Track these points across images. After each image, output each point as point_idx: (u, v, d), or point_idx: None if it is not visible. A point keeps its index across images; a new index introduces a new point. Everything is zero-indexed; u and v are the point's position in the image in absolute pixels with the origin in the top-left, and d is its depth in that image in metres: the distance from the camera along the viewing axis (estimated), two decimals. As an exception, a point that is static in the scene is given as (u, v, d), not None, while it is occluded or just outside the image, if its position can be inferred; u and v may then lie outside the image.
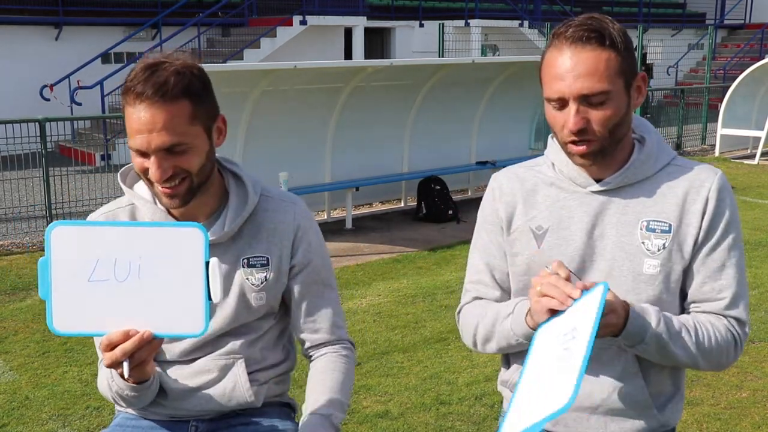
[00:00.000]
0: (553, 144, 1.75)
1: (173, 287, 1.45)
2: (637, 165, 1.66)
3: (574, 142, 1.60)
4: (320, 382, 1.80)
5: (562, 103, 1.59)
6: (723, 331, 1.64)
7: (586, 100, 1.56)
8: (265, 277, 1.78)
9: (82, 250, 1.45)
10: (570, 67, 1.55)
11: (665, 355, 1.59)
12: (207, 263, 1.46)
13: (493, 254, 1.81)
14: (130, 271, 1.44)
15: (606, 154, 1.63)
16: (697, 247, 1.65)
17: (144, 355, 1.46)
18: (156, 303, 1.45)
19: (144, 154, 1.60)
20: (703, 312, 1.68)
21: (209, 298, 1.45)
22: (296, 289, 1.82)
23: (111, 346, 1.44)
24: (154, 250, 1.45)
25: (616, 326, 1.52)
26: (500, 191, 1.79)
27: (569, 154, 1.66)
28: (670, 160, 1.70)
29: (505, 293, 1.81)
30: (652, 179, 1.68)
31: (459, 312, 1.87)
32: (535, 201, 1.74)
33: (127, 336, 1.43)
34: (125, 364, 1.45)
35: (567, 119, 1.58)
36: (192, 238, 1.45)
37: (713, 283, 1.66)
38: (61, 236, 1.44)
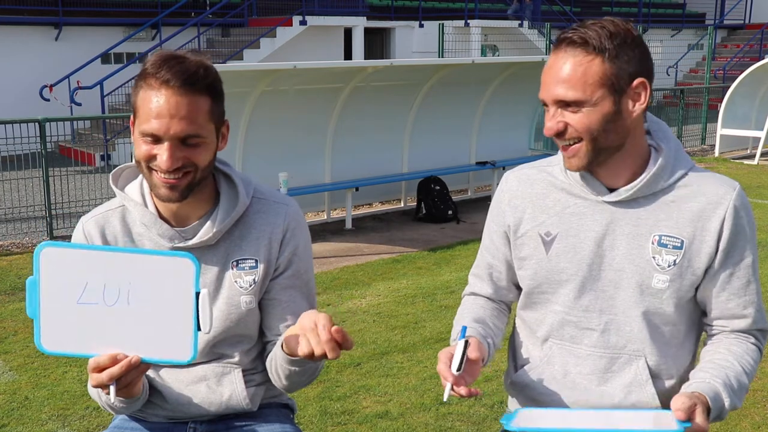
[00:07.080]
0: None
1: (162, 315, 1.43)
2: (652, 179, 1.62)
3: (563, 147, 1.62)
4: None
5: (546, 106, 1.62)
6: (755, 353, 1.70)
7: (563, 103, 1.57)
8: (254, 279, 1.74)
9: (71, 272, 1.42)
10: (550, 70, 1.58)
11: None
12: (197, 293, 1.44)
13: (493, 254, 1.84)
14: (119, 296, 1.43)
15: (599, 162, 1.61)
16: (716, 267, 1.64)
17: (130, 379, 1.45)
18: (145, 329, 1.43)
19: (156, 141, 1.57)
20: (732, 332, 1.70)
21: (198, 327, 1.44)
22: (273, 289, 1.78)
23: (98, 369, 1.42)
24: (144, 276, 1.43)
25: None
26: (510, 194, 1.79)
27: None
28: (687, 170, 1.66)
29: (501, 290, 1.86)
30: (667, 191, 1.64)
31: (462, 297, 1.95)
32: (544, 205, 1.73)
33: (114, 360, 1.42)
34: (112, 388, 1.44)
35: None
36: (183, 267, 1.43)
37: (738, 300, 1.66)
38: (50, 257, 1.42)
